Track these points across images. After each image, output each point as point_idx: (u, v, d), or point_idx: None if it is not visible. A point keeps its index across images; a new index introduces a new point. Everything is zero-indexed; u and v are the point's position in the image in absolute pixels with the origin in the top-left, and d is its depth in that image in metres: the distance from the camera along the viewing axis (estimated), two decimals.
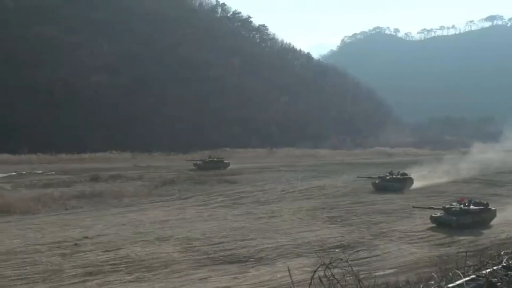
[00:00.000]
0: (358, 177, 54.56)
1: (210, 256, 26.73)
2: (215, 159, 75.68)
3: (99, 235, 31.10)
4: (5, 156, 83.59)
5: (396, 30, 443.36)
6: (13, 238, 30.40)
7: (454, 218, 33.03)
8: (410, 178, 52.18)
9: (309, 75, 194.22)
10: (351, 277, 11.93)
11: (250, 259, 26.10)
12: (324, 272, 11.25)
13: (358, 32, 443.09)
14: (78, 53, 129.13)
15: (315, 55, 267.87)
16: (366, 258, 26.50)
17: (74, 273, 23.23)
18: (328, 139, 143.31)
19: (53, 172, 65.60)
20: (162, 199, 46.54)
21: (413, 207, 39.23)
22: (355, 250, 27.92)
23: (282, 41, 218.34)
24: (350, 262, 13.19)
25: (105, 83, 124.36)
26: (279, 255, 26.80)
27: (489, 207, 35.17)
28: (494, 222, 34.78)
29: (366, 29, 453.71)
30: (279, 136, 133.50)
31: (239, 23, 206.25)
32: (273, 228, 33.78)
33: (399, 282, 19.01)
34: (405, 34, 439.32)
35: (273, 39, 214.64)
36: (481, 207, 34.47)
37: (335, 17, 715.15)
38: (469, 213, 33.57)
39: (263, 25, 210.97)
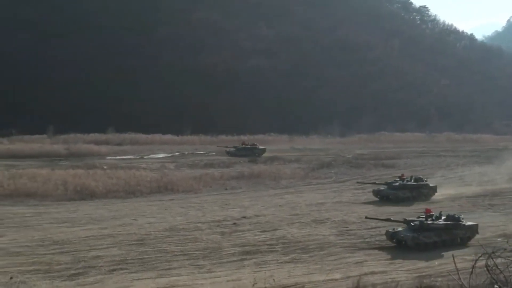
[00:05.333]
0: (357, 182, 46.20)
1: (366, 240, 26.55)
2: (248, 146, 71.40)
3: (256, 215, 31.81)
4: (169, 137, 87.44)
5: None
6: (176, 215, 31.84)
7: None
8: (427, 184, 39.77)
9: (472, 57, 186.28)
10: None
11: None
12: (486, 262, 10.83)
13: None
14: (238, 36, 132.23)
15: (479, 36, 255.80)
16: None
17: (233, 251, 23.96)
18: (491, 124, 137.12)
19: (214, 153, 67.73)
20: (318, 181, 46.69)
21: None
22: None
23: (443, 22, 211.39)
24: None
25: (264, 66, 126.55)
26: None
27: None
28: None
29: None
30: (438, 120, 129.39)
31: (399, 5, 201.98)
32: None
33: None
34: None
35: (434, 21, 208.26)
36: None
37: None
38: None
39: (424, 6, 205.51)
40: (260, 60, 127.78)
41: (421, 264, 22.68)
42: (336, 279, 20.55)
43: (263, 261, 22.73)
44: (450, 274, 17.46)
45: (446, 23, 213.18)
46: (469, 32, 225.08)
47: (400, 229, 25.68)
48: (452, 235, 25.57)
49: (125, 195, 38.90)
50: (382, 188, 38.58)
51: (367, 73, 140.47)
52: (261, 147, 71.34)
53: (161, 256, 22.95)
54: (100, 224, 29.08)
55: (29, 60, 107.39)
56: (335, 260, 23.11)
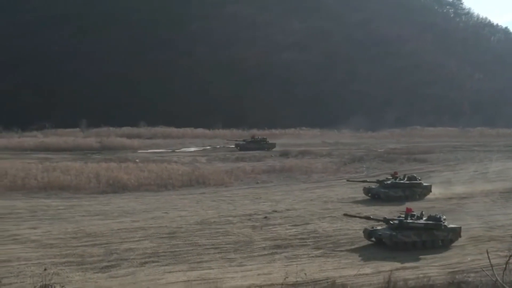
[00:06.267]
0: (348, 180, 43.76)
1: None
2: (258, 139, 70.29)
3: (288, 209, 31.77)
4: (200, 131, 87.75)
5: None
6: (207, 209, 31.96)
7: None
8: (420, 183, 37.55)
9: (506, 51, 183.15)
10: None
11: None
12: None
13: None
14: (270, 30, 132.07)
15: None
16: None
17: (264, 245, 23.99)
18: None
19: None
20: (350, 176, 46.35)
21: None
22: None
23: (477, 16, 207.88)
24: None
25: (296, 60, 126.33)
26: (469, 237, 25.73)
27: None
28: None
29: None
30: (471, 115, 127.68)
31: None
32: (464, 209, 32.55)
33: None
34: None
35: (467, 14, 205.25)
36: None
37: None
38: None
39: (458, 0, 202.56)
40: (292, 54, 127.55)
41: (454, 259, 22.49)
42: (367, 274, 20.50)
43: (294, 255, 22.74)
44: (483, 270, 17.29)
45: (481, 16, 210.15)
46: (503, 26, 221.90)
47: (379, 227, 25.03)
48: (433, 236, 24.40)
49: (157, 188, 39.14)
50: (374, 187, 36.80)
51: (399, 67, 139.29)
52: (270, 141, 70.64)
53: (192, 249, 23.07)
54: (132, 217, 29.32)
55: (64, 55, 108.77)
56: (366, 254, 23.04)
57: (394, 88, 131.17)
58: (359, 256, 22.83)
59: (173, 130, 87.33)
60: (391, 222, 24.48)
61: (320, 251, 23.37)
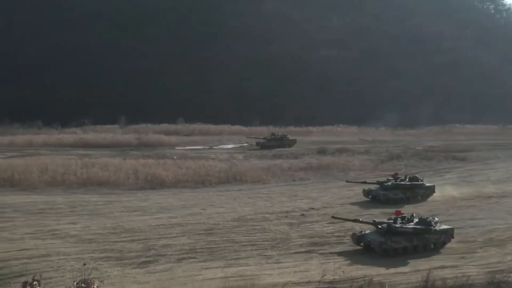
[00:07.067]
0: (347, 181, 41.15)
1: None
2: (278, 136, 69.22)
3: (325, 207, 31.70)
4: (238, 128, 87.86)
5: None
6: (244, 205, 32.03)
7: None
8: (422, 184, 35.70)
9: None
10: None
11: (478, 240, 25.06)
12: None
13: None
14: (308, 27, 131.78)
15: None
16: None
17: (301, 242, 23.97)
18: None
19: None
20: (387, 174, 45.93)
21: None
22: None
23: None
24: None
25: (333, 57, 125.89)
26: (510, 237, 25.40)
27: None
28: None
29: None
30: None
31: None
32: (504, 208, 32.11)
33: None
34: None
35: (509, 10, 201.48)
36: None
37: None
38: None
39: None
40: (329, 51, 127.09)
41: (493, 259, 22.14)
42: (404, 272, 20.38)
43: (331, 252, 22.71)
44: None
45: None
46: None
47: (368, 231, 23.69)
48: (424, 240, 23.30)
49: (194, 185, 39.34)
50: (373, 188, 34.74)
51: (439, 64, 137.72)
52: (291, 137, 69.84)
53: (229, 246, 23.15)
54: (170, 213, 29.51)
55: (103, 52, 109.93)
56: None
57: (433, 85, 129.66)
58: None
59: (210, 127, 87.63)
60: (380, 226, 23.21)
61: (358, 248, 23.28)
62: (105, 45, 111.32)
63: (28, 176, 37.95)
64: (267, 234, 25.27)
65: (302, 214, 29.46)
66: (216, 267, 20.36)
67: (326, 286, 18.53)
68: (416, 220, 23.74)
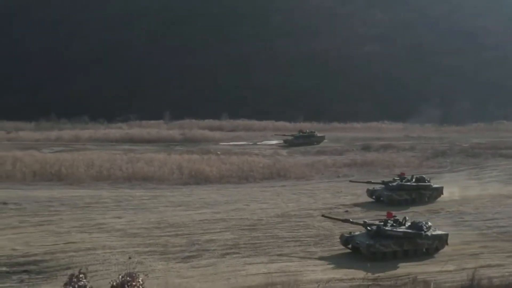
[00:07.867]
0: (350, 181, 38.74)
1: (483, 231, 25.77)
2: (306, 134, 67.79)
3: (369, 203, 31.48)
4: (282, 124, 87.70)
5: None
6: (288, 202, 32.03)
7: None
8: (429, 185, 34.14)
9: None
10: None
11: None
12: None
13: None
14: (352, 22, 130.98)
15: None
16: None
17: None
18: None
19: (326, 140, 67.35)
20: (433, 170, 45.41)
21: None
22: None
23: None
24: None
25: (378, 52, 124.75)
26: None
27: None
28: None
29: None
30: None
31: None
32: None
33: None
34: None
35: None
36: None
37: None
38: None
39: None
40: (374, 46, 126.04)
41: None
42: (450, 271, 20.15)
43: None
44: None
45: None
46: None
47: (357, 233, 22.77)
48: (415, 245, 22.31)
49: (238, 180, 39.46)
50: (378, 188, 33.34)
51: (485, 60, 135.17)
52: (319, 134, 68.61)
53: (272, 242, 23.19)
54: (214, 208, 29.68)
55: (148, 48, 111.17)
56: (449, 251, 22.55)
57: (479, 81, 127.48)
58: (443, 252, 22.43)
59: (254, 123, 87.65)
60: (369, 228, 22.33)
61: None
62: (151, 41, 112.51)
63: (75, 170, 38.61)
64: (310, 230, 25.25)
65: (346, 211, 29.37)
66: (260, 263, 20.42)
67: (370, 283, 18.44)
68: (408, 223, 22.99)
